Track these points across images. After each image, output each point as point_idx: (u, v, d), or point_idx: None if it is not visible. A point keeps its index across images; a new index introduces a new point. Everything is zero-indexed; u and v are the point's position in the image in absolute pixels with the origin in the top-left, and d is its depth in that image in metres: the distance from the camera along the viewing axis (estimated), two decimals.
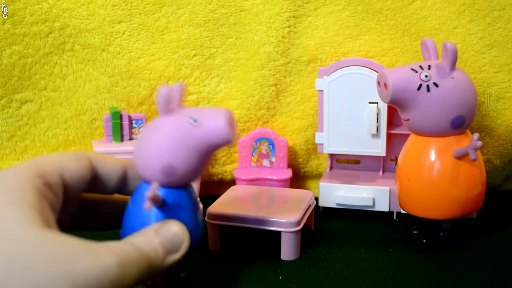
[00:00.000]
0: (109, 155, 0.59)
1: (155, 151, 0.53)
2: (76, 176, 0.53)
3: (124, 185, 0.58)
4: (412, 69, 0.67)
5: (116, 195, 0.61)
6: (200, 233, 0.58)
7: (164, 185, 0.54)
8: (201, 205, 0.84)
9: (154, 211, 0.54)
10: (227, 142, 0.53)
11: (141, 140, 0.54)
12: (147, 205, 0.51)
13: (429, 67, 0.67)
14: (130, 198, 0.57)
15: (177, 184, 0.54)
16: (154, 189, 0.51)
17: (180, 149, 0.53)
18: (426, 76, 0.66)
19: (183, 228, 0.53)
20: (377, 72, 0.79)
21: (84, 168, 0.54)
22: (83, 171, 0.54)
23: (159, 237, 0.51)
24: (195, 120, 0.53)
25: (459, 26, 0.84)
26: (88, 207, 0.58)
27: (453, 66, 0.67)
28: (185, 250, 0.52)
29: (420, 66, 0.67)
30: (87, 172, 0.54)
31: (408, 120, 0.68)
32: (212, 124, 0.53)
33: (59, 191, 0.51)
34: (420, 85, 0.66)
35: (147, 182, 0.55)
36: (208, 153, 0.54)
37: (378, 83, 0.68)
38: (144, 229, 0.52)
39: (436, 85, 0.66)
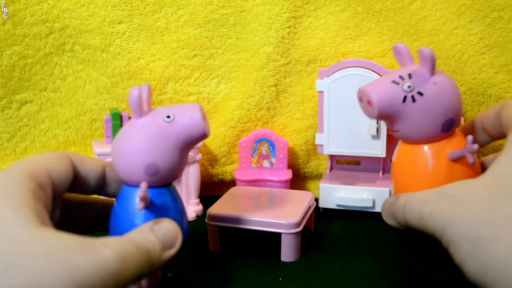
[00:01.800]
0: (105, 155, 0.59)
1: (136, 152, 0.54)
2: (61, 177, 0.53)
3: (103, 185, 0.59)
4: (393, 81, 0.65)
5: (96, 197, 0.61)
6: (186, 227, 0.59)
7: (148, 186, 0.55)
8: (201, 206, 0.85)
9: (141, 211, 0.55)
10: (203, 135, 0.56)
11: (120, 144, 0.55)
12: (140, 205, 0.52)
13: (410, 76, 0.65)
14: (115, 201, 0.58)
15: (160, 183, 0.56)
16: (143, 189, 0.52)
17: (161, 148, 0.54)
18: (409, 86, 0.64)
19: (176, 225, 0.54)
20: (377, 73, 0.79)
21: (67, 168, 0.54)
22: (67, 171, 0.54)
23: (154, 233, 0.52)
24: (168, 117, 0.55)
25: (459, 27, 0.84)
26: (70, 209, 0.59)
27: (432, 71, 0.66)
28: (179, 245, 0.54)
29: (400, 77, 0.65)
30: (70, 172, 0.55)
31: (397, 131, 0.67)
32: (187, 119, 0.55)
33: (50, 192, 0.51)
34: (405, 97, 0.64)
35: (130, 185, 0.56)
36: (186, 148, 0.56)
37: (360, 99, 0.67)
38: (138, 227, 0.53)
39: (420, 94, 0.64)
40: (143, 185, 0.52)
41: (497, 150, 0.86)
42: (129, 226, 0.54)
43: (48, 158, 0.53)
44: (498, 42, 0.83)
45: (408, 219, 0.57)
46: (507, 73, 0.84)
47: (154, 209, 0.55)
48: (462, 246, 0.48)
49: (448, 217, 0.50)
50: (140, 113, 0.55)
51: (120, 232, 0.54)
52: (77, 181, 0.56)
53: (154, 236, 0.51)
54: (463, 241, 0.48)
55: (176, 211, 0.57)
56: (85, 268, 0.42)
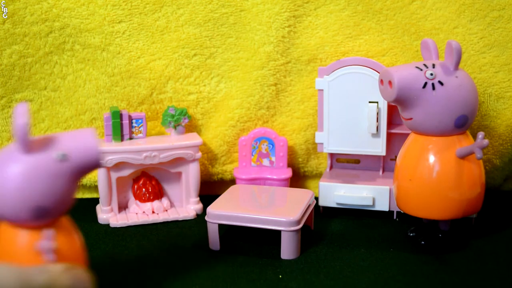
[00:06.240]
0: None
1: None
2: None
3: None
4: (416, 67, 0.66)
5: None
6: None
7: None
8: (200, 205, 0.85)
9: None
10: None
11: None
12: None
13: (433, 66, 0.67)
14: None
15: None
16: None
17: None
18: (431, 74, 0.66)
19: (89, 276, 0.48)
20: (377, 72, 0.79)
21: None
22: None
23: (65, 279, 0.46)
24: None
25: (459, 26, 0.84)
26: None
27: (457, 65, 0.67)
28: None
29: (425, 65, 0.67)
30: None
31: (410, 119, 0.68)
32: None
33: None
34: (426, 83, 0.66)
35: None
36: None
37: (381, 81, 0.68)
38: (49, 266, 0.46)
39: (441, 83, 0.66)
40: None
41: (497, 149, 0.86)
42: None
43: None
44: (498, 41, 0.83)
45: None
46: (507, 72, 0.84)
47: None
48: None
49: None
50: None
51: None
52: None
53: (64, 282, 0.45)
54: None
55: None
56: None
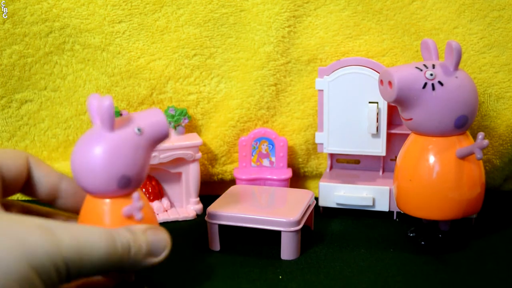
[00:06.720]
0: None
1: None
2: (10, 172, 0.54)
3: (55, 197, 0.58)
4: (416, 67, 0.66)
5: (61, 212, 0.61)
6: None
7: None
8: (200, 205, 0.85)
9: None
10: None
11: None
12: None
13: (433, 66, 0.67)
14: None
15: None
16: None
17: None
18: (431, 74, 0.66)
19: (168, 236, 0.54)
20: (377, 72, 0.79)
21: (20, 167, 0.55)
22: (19, 169, 0.54)
23: (146, 237, 0.52)
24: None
25: (459, 26, 0.84)
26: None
27: (457, 65, 0.67)
28: (165, 257, 0.54)
29: (424, 65, 0.67)
30: (23, 172, 0.55)
31: (410, 119, 0.68)
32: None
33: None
34: (425, 83, 0.65)
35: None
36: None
37: (381, 81, 0.68)
38: (131, 225, 0.53)
39: (441, 84, 0.66)
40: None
41: (497, 150, 0.86)
42: None
43: (2, 153, 0.54)
44: (498, 42, 0.83)
45: None
46: (507, 73, 0.84)
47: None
48: None
49: None
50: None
51: None
52: (28, 184, 0.56)
53: (144, 240, 0.52)
54: None
55: None
56: (40, 249, 0.43)
